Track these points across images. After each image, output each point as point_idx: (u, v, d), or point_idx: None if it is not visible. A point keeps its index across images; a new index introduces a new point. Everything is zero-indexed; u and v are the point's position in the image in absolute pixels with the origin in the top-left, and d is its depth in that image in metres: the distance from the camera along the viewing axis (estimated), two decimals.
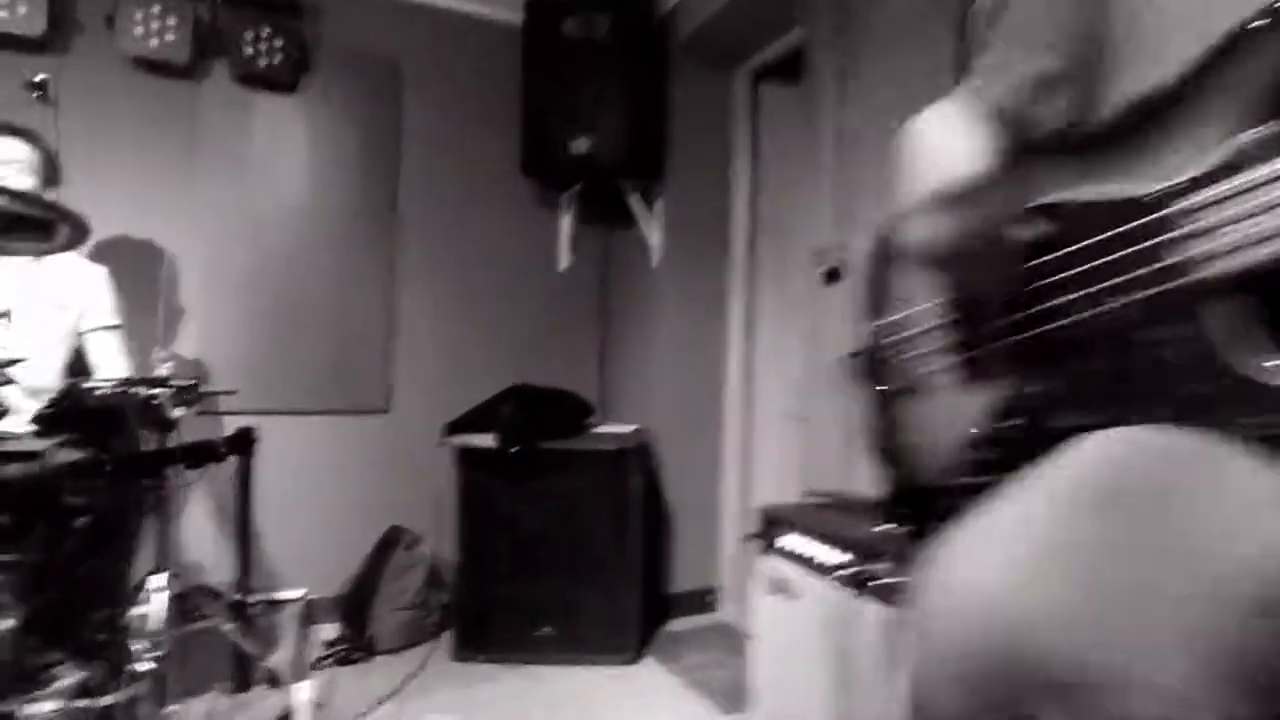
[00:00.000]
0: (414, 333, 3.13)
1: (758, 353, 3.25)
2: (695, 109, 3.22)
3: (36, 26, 2.50)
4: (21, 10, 2.48)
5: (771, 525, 1.79)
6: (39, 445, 1.54)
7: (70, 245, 1.48)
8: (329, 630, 2.80)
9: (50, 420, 1.52)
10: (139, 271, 2.62)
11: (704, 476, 3.25)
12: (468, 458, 2.65)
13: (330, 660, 2.59)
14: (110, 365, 2.12)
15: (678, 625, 3.10)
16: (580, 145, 2.99)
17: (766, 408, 3.21)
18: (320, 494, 2.94)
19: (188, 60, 2.70)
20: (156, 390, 1.59)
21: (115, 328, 2.17)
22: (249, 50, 2.78)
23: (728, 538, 3.26)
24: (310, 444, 2.88)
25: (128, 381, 1.60)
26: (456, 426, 2.68)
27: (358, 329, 3.04)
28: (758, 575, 1.80)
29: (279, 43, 2.82)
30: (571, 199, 3.31)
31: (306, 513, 2.91)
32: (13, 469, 1.39)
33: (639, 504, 2.75)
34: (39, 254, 1.49)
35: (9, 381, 1.35)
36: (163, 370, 1.78)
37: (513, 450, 2.55)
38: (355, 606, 2.76)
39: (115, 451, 1.57)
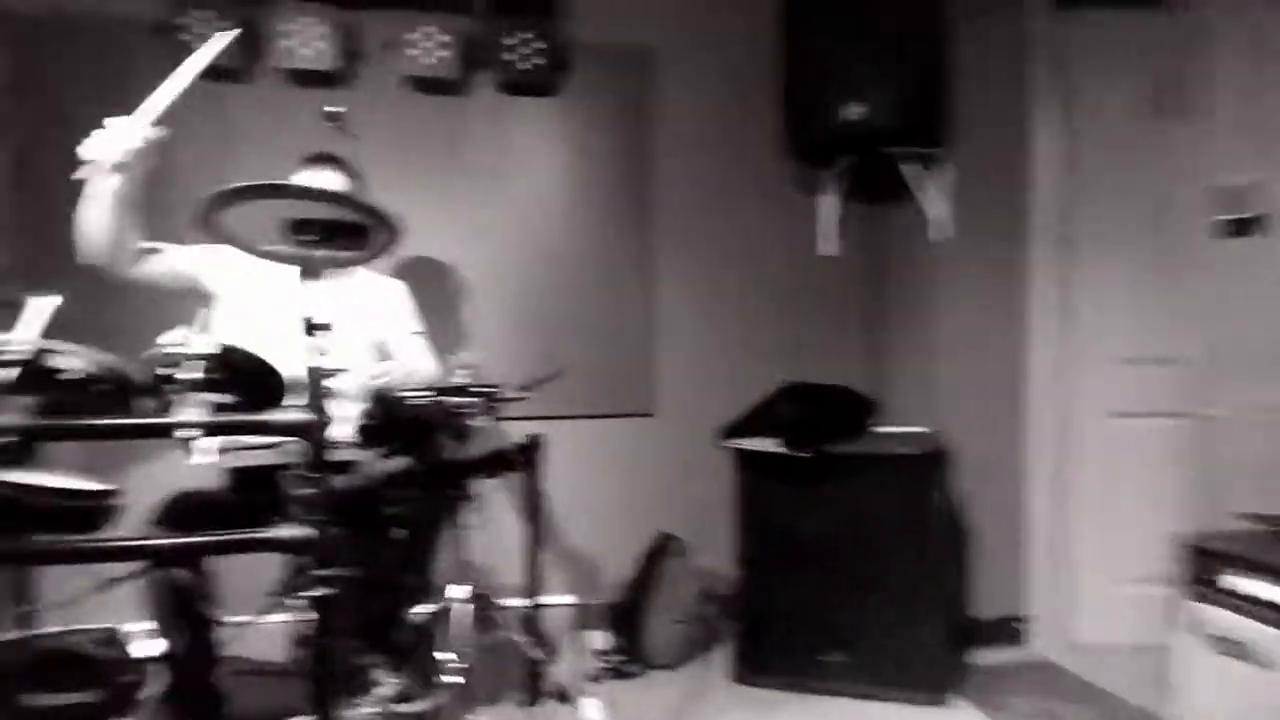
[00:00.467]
0: (675, 331, 3.00)
1: (1076, 339, 2.69)
2: (985, 51, 2.75)
3: (332, 61, 2.68)
4: (320, 47, 2.67)
5: (1196, 559, 1.35)
6: (361, 455, 1.55)
7: (385, 252, 1.46)
8: (600, 638, 2.74)
9: (370, 431, 1.52)
10: (421, 282, 2.71)
11: (1007, 486, 2.76)
12: (746, 462, 2.44)
13: (606, 672, 2.50)
14: (420, 372, 2.18)
15: (986, 658, 2.65)
16: (851, 112, 2.66)
17: (1089, 404, 2.65)
18: (587, 499, 2.89)
19: (456, 75, 2.76)
20: (465, 399, 1.54)
21: (417, 334, 2.23)
22: (510, 58, 2.79)
23: (1039, 558, 2.75)
24: (577, 449, 2.83)
25: (439, 390, 1.57)
26: (732, 429, 2.47)
27: (620, 329, 2.96)
28: (1185, 624, 1.37)
29: (537, 47, 2.80)
30: (839, 175, 2.98)
31: (574, 518, 2.88)
32: (339, 480, 1.37)
33: (940, 516, 2.37)
34: (361, 263, 1.50)
35: (332, 393, 1.33)
36: (462, 378, 1.75)
37: (801, 455, 2.28)
38: (627, 616, 2.66)
39: (429, 461, 1.54)
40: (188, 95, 1.80)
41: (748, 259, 3.05)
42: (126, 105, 2.57)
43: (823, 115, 2.71)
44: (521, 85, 2.85)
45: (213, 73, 2.63)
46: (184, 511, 1.76)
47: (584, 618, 2.79)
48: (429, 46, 2.73)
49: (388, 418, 1.51)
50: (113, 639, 1.41)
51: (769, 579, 2.43)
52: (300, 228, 1.36)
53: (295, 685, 1.87)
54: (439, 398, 1.55)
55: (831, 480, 2.35)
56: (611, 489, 2.91)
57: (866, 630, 2.34)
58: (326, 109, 2.71)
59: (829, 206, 3.04)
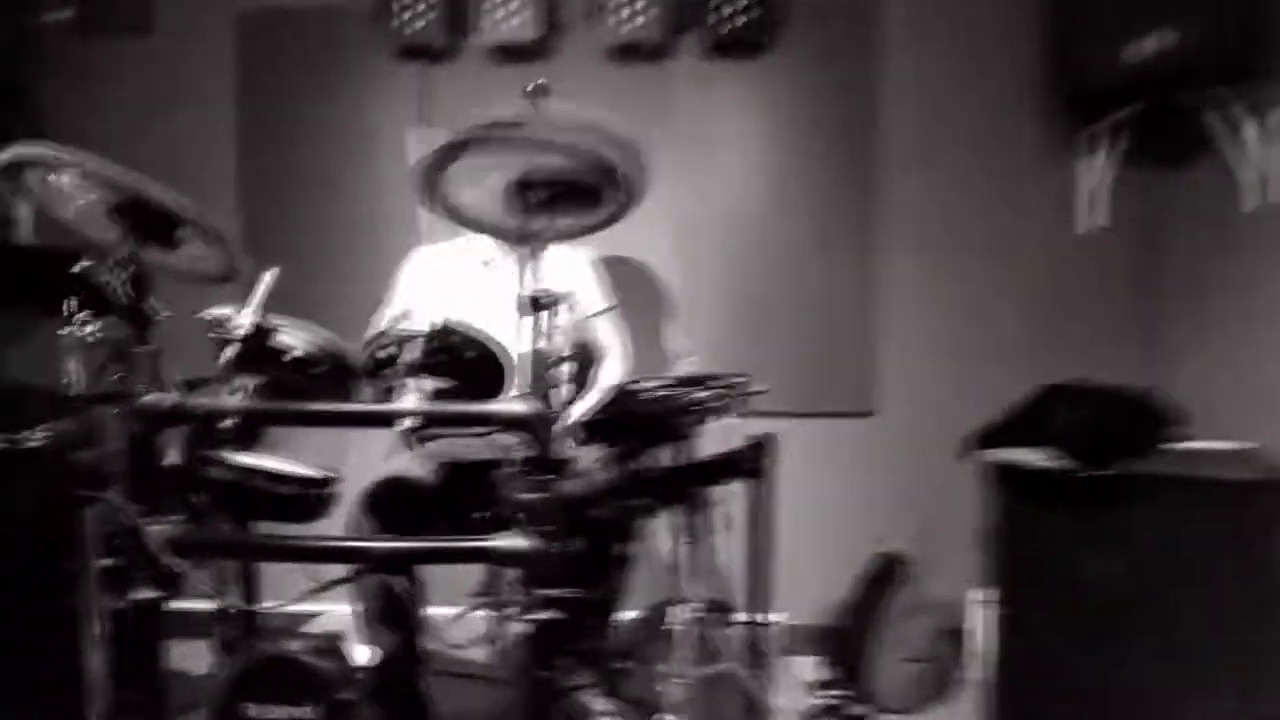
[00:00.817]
0: (901, 319, 2.61)
1: None
2: None
3: (532, 32, 2.55)
4: (521, 19, 2.55)
5: None
6: (583, 455, 1.34)
7: (625, 213, 1.25)
8: (813, 666, 2.42)
9: (597, 427, 1.31)
10: (622, 263, 2.53)
11: None
12: (1004, 478, 2.02)
13: (827, 711, 2.18)
14: (614, 352, 2.01)
15: None
16: (1142, 48, 2.15)
17: None
18: (795, 506, 2.56)
19: (660, 39, 2.55)
20: (706, 393, 1.30)
21: (609, 309, 2.05)
22: (716, 17, 2.53)
23: None
24: (785, 450, 2.53)
25: (677, 382, 1.34)
26: (985, 437, 2.06)
27: (836, 316, 2.62)
28: None
29: (745, 2, 2.52)
30: (1114, 131, 2.45)
31: (781, 526, 2.56)
32: (566, 484, 1.16)
33: None
34: (596, 229, 1.30)
35: (559, 382, 1.13)
36: (685, 367, 1.50)
37: (1088, 474, 1.84)
38: (848, 647, 2.32)
39: (661, 463, 1.31)
40: None
41: (991, 236, 2.59)
42: (345, 90, 2.63)
43: (1100, 56, 2.23)
44: (729, 46, 2.58)
45: (415, 53, 2.64)
46: (389, 501, 1.66)
47: (793, 640, 2.49)
48: (632, 10, 2.53)
49: (618, 412, 1.31)
50: (334, 647, 1.31)
51: (1034, 624, 2.00)
52: (525, 190, 1.16)
53: (498, 691, 1.72)
54: (677, 389, 1.31)
55: (1124, 507, 1.88)
56: (825, 496, 2.57)
57: (1173, 705, 1.84)
58: (530, 85, 2.61)
59: (1097, 170, 2.51)
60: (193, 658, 1.93)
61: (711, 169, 2.64)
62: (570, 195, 1.18)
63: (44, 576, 1.51)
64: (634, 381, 1.30)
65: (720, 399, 1.35)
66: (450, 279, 2.00)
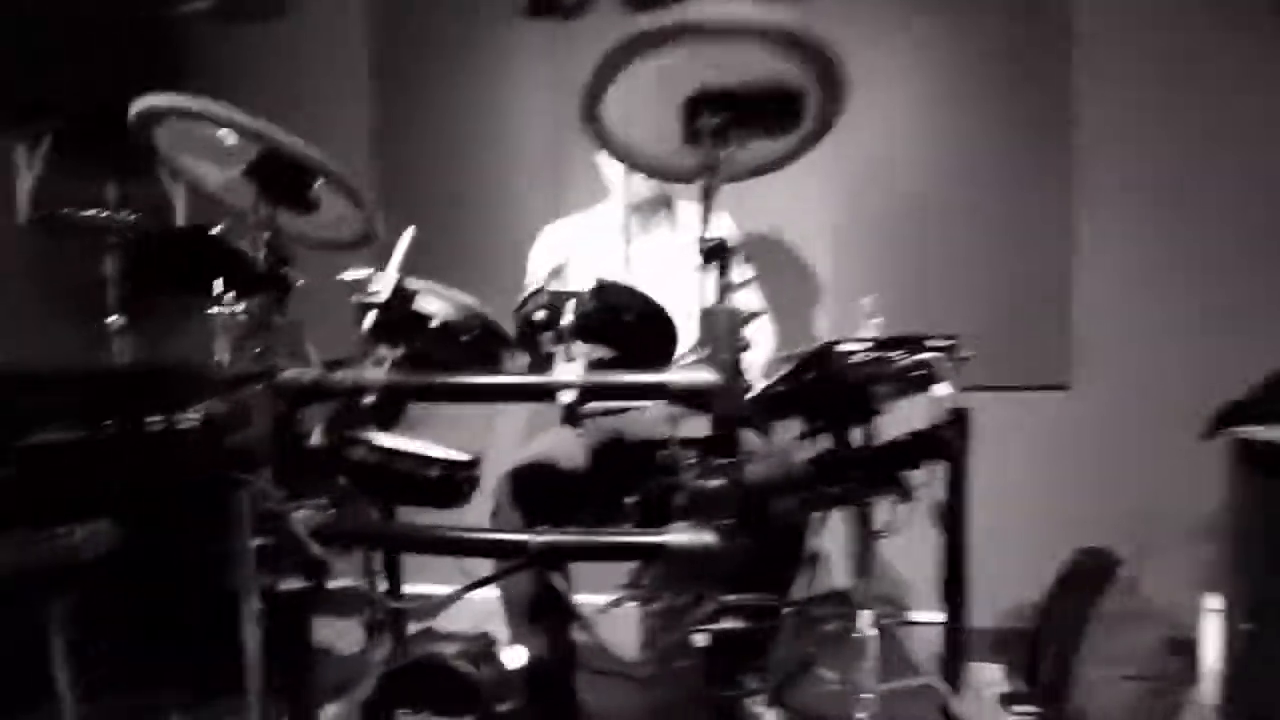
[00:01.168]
0: (1102, 274, 2.25)
1: None
2: None
3: None
4: None
5: None
6: (760, 434, 1.14)
7: (812, 141, 1.04)
8: (994, 672, 2.12)
9: (781, 399, 1.11)
10: (767, 220, 2.31)
11: None
12: (1259, 461, 1.65)
13: None
14: (760, 320, 1.81)
15: None
16: None
17: None
18: (981, 492, 2.25)
19: None
20: (919, 357, 1.07)
21: (752, 279, 1.85)
22: None
23: None
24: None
25: (885, 343, 1.11)
26: (1234, 412, 1.70)
27: (1023, 276, 2.29)
28: None
29: None
30: None
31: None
32: (749, 469, 0.97)
33: None
34: (779, 164, 1.11)
35: (747, 346, 0.93)
36: (873, 328, 1.27)
37: None
38: (1045, 657, 2.01)
39: (854, 443, 1.10)
40: None
41: (1210, 178, 2.17)
42: (476, 52, 2.53)
43: None
44: None
45: (545, 9, 2.51)
46: (535, 485, 1.53)
47: (977, 646, 2.19)
48: None
49: (813, 381, 1.10)
50: (488, 651, 1.20)
51: None
52: (699, 113, 0.96)
53: (653, 691, 1.59)
54: (882, 354, 1.08)
55: None
56: (1016, 481, 2.23)
57: None
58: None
59: None
60: (342, 636, 1.89)
61: (872, 113, 2.34)
62: (750, 119, 0.97)
63: (200, 557, 1.50)
64: (833, 343, 1.08)
65: (933, 366, 1.11)
66: (590, 250, 1.85)
